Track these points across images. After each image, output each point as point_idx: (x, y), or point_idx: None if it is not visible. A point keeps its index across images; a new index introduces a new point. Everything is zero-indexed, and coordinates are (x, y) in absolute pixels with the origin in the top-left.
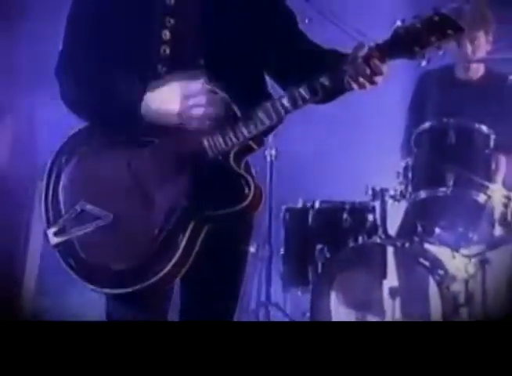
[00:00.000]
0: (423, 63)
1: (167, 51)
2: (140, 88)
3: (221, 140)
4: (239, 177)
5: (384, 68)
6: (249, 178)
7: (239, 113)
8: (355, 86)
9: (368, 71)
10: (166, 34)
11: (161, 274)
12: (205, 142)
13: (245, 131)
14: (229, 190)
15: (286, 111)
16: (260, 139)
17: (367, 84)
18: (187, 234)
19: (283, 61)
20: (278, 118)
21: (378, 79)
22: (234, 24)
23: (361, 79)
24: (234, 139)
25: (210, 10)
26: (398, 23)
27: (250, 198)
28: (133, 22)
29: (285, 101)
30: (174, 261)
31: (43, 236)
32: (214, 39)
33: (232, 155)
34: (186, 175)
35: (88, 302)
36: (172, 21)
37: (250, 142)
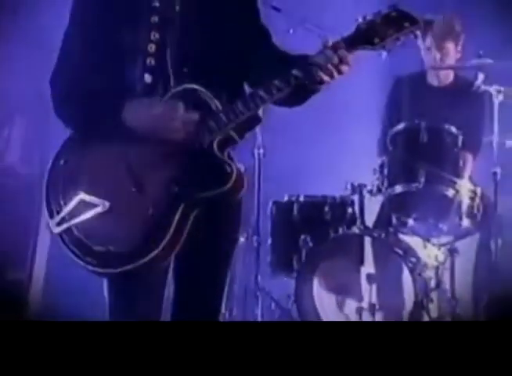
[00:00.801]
0: (384, 54)
1: (153, 62)
2: (122, 100)
3: (205, 130)
4: (222, 163)
5: (350, 58)
6: (232, 164)
7: (220, 106)
8: (324, 76)
9: (336, 60)
10: (152, 47)
11: (155, 253)
12: (191, 133)
13: (225, 120)
14: (214, 174)
15: (263, 101)
16: (241, 132)
17: (335, 73)
18: (177, 216)
19: (259, 71)
20: (255, 108)
21: (345, 68)
22: (214, 38)
23: (330, 67)
24: (216, 128)
25: (191, 25)
26: (360, 19)
27: (232, 181)
28: (122, 37)
29: (261, 92)
30: (165, 241)
31: (50, 231)
32: (195, 51)
33: (215, 144)
34: (175, 163)
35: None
36: (157, 36)
37: (232, 134)
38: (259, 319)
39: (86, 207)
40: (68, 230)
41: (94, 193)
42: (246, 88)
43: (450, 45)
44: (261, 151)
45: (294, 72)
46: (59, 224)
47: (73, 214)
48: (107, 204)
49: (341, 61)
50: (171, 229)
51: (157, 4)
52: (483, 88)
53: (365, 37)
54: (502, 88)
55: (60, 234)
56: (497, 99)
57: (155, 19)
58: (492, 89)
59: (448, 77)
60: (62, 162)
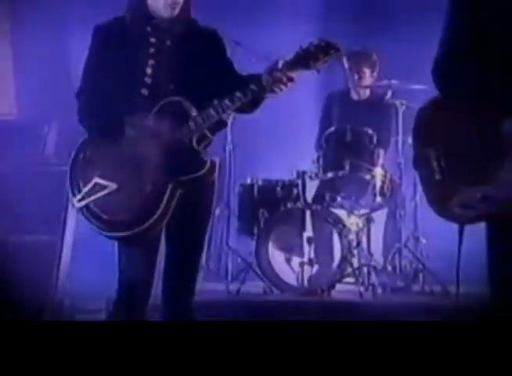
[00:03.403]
0: (316, 72)
1: (149, 81)
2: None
3: (185, 130)
4: (200, 154)
5: (293, 75)
6: (206, 155)
7: (196, 112)
8: (274, 88)
9: (282, 77)
10: (148, 70)
11: (150, 222)
12: (176, 132)
13: (201, 122)
14: (194, 162)
15: (228, 107)
16: (213, 131)
17: (282, 86)
18: (167, 194)
19: (224, 88)
20: (223, 112)
21: (289, 83)
22: (193, 65)
23: (277, 82)
24: (194, 128)
25: (177, 55)
26: (298, 48)
27: (207, 167)
28: (127, 63)
29: (227, 101)
30: (158, 213)
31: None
32: (179, 73)
33: (194, 140)
34: (165, 155)
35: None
36: (152, 62)
37: (207, 132)
38: (229, 270)
39: (99, 188)
40: (86, 205)
41: (105, 178)
42: (215, 101)
43: (367, 71)
44: (231, 147)
45: (251, 86)
46: (79, 201)
47: (90, 193)
48: (115, 185)
49: (286, 78)
50: (162, 204)
51: (154, 40)
52: (391, 101)
53: (302, 60)
54: (404, 102)
55: (81, 208)
56: (401, 110)
57: (152, 50)
58: (398, 102)
59: (365, 93)
60: (81, 156)
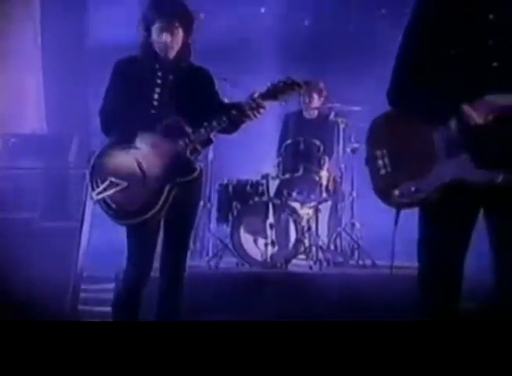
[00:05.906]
0: (283, 103)
1: (156, 103)
2: (136, 126)
3: (182, 143)
4: (192, 162)
5: (265, 104)
6: (197, 162)
7: (191, 130)
8: (250, 114)
9: (256, 106)
10: (155, 96)
11: (151, 213)
12: (175, 145)
13: (193, 137)
14: (187, 168)
15: (215, 127)
16: (202, 145)
17: (256, 113)
18: (165, 192)
19: (213, 113)
20: (211, 131)
21: (262, 111)
22: (190, 94)
23: (253, 109)
24: (189, 142)
25: (177, 85)
26: (269, 84)
27: (197, 172)
28: (139, 89)
29: (214, 123)
30: (158, 206)
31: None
32: (179, 100)
33: (188, 151)
34: (165, 162)
35: None
36: (159, 90)
37: (197, 146)
38: (210, 249)
39: (113, 185)
40: (102, 198)
41: (118, 178)
42: (205, 122)
43: (315, 96)
44: (212, 155)
45: (233, 112)
46: (97, 194)
47: (105, 189)
48: (125, 184)
49: (260, 106)
50: (161, 200)
51: (160, 74)
52: (334, 119)
53: (272, 93)
54: (344, 120)
55: (98, 200)
56: (342, 126)
57: (159, 81)
58: (339, 120)
59: (314, 113)
60: (99, 160)
